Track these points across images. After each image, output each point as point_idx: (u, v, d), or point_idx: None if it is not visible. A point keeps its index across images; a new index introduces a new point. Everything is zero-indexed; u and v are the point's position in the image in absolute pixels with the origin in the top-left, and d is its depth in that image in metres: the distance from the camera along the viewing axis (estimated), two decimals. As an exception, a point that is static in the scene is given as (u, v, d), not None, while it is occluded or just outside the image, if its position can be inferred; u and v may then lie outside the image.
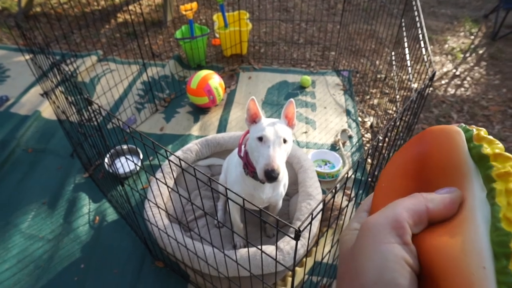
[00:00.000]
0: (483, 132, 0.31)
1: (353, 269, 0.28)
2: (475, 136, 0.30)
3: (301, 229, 0.65)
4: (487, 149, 0.29)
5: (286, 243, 1.31)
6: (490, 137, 0.30)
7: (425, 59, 1.12)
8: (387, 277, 0.25)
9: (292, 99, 1.22)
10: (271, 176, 1.08)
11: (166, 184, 0.91)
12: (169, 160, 0.75)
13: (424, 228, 0.28)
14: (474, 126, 0.32)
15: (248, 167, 1.27)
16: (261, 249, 0.80)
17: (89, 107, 1.00)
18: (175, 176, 1.69)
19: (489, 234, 0.25)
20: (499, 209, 0.26)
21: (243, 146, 1.32)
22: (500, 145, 0.29)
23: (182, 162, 1.61)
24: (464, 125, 0.32)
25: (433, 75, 1.00)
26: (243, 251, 1.19)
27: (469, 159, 0.29)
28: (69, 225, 1.70)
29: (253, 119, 1.26)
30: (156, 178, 0.98)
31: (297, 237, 0.65)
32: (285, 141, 1.17)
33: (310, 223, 0.68)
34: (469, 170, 0.29)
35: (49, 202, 1.82)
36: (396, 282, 0.25)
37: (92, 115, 1.02)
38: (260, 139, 1.16)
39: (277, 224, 0.67)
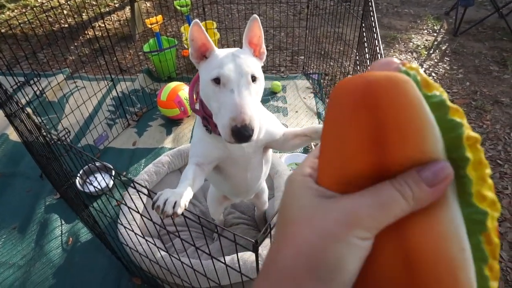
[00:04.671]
0: (424, 75, 0.27)
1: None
2: (423, 83, 0.26)
3: (259, 241, 0.66)
4: (447, 101, 0.25)
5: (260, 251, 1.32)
6: (430, 80, 0.26)
7: (379, 57, 1.15)
8: None
9: (255, 15, 0.87)
10: (241, 134, 0.75)
11: (127, 206, 0.90)
12: (126, 187, 0.74)
13: None
14: (407, 63, 0.27)
15: (210, 122, 0.90)
16: (224, 263, 0.80)
17: (45, 131, 0.99)
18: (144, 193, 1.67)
19: (461, 210, 0.24)
20: (471, 183, 0.24)
21: (194, 94, 0.98)
22: (442, 89, 0.26)
23: (144, 186, 1.60)
24: (403, 68, 0.27)
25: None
26: (210, 263, 1.18)
27: (431, 116, 0.24)
28: (41, 249, 1.66)
29: (202, 53, 0.89)
30: (120, 202, 0.97)
31: (255, 250, 0.65)
32: (254, 78, 0.83)
33: (269, 233, 0.69)
34: (432, 130, 0.24)
35: (20, 227, 1.77)
36: None
37: (44, 140, 1.00)
38: (217, 81, 0.82)
39: (234, 238, 0.67)
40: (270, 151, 1.12)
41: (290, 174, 0.31)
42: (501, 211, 1.66)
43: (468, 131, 0.24)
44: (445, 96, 0.25)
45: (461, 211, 0.24)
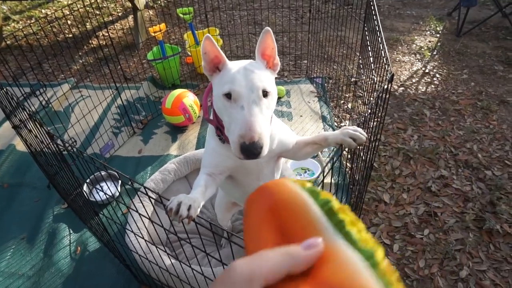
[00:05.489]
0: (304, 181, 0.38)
1: None
2: (299, 182, 0.37)
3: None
4: (317, 189, 0.35)
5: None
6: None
7: (384, 61, 1.15)
8: None
9: (268, 28, 0.87)
10: (250, 152, 0.77)
11: (138, 212, 0.90)
12: (137, 193, 0.74)
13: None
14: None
15: (223, 132, 0.91)
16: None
17: (51, 141, 0.99)
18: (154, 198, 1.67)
19: (360, 254, 0.31)
20: (353, 234, 0.33)
21: (208, 103, 0.97)
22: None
23: (155, 192, 1.60)
24: (291, 178, 0.38)
25: (392, 77, 1.03)
26: (220, 270, 1.18)
27: (311, 203, 0.35)
28: (50, 258, 1.66)
29: (215, 65, 0.90)
30: (130, 208, 0.97)
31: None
32: (265, 93, 0.84)
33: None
34: (312, 213, 0.34)
35: (28, 237, 1.77)
36: None
37: (56, 148, 1.01)
38: (228, 96, 0.83)
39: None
40: (282, 159, 1.13)
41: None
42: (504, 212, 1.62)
43: (337, 204, 0.34)
44: (317, 188, 0.36)
45: (360, 255, 0.31)
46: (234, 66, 0.88)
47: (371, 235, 0.33)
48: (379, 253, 0.31)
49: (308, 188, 0.36)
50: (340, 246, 0.32)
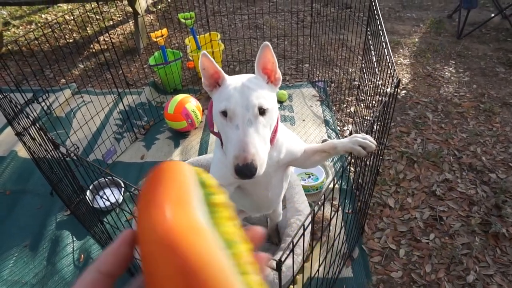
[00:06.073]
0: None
1: None
2: (198, 171, 0.37)
3: (283, 259, 0.64)
4: (209, 180, 0.36)
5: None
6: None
7: (390, 66, 1.15)
8: None
9: (267, 43, 0.86)
10: (243, 173, 0.77)
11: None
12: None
13: None
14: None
15: None
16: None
17: (56, 148, 0.98)
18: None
19: (222, 240, 0.30)
20: (223, 224, 0.31)
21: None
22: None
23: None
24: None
25: (398, 82, 1.02)
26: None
27: (199, 189, 0.34)
28: (53, 266, 1.65)
29: (215, 81, 0.89)
30: (134, 215, 0.96)
31: (278, 269, 0.64)
32: (262, 111, 0.82)
33: (292, 251, 0.67)
34: (196, 194, 0.33)
35: (31, 244, 1.76)
36: None
37: (60, 156, 1.00)
38: (225, 114, 0.82)
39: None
40: (290, 167, 1.12)
41: None
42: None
43: (221, 199, 0.34)
44: (210, 181, 0.36)
45: (222, 241, 0.30)
46: (233, 82, 0.86)
47: (241, 230, 0.33)
48: (244, 245, 0.31)
49: (200, 177, 0.36)
50: (206, 227, 0.30)
